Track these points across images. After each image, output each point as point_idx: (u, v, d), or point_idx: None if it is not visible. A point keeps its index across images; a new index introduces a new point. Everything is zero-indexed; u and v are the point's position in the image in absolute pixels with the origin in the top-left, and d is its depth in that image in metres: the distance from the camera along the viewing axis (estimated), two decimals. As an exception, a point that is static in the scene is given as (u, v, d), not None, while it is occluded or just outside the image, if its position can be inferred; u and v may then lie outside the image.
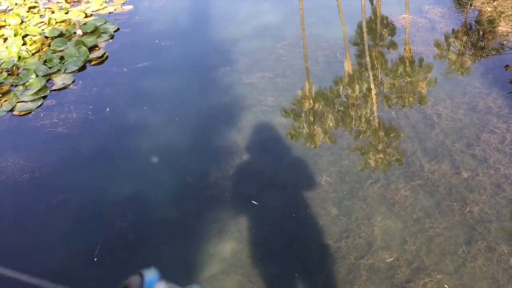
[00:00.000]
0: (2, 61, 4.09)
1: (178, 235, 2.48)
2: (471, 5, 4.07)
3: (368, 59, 3.66)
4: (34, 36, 4.43)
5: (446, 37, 3.75)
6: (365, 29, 4.02)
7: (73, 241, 2.51)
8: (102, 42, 4.31)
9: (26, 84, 3.80)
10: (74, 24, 4.52)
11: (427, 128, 2.90)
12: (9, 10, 4.98)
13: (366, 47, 3.80)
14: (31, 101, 3.62)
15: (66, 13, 4.85)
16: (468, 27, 3.87)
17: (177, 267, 2.32)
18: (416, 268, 2.17)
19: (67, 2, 5.06)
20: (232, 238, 2.40)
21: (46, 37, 4.40)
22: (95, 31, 4.44)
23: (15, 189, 2.88)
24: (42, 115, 3.46)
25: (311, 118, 3.15)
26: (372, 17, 4.22)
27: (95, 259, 2.38)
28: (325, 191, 2.59)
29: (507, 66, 3.33)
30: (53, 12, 4.88)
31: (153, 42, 4.19)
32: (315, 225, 2.41)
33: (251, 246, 2.35)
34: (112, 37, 4.38)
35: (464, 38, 3.74)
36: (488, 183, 2.51)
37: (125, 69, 3.87)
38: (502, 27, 3.73)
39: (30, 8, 5.00)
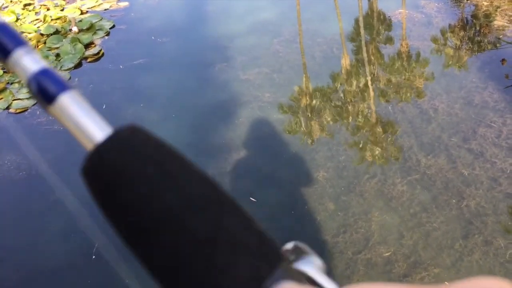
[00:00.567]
0: (-3, 59, 4.07)
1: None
2: (467, -1, 4.07)
3: (364, 54, 3.66)
4: (29, 33, 4.41)
5: (443, 32, 3.75)
6: (362, 24, 4.02)
7: (71, 238, 2.51)
8: (98, 39, 4.30)
9: (22, 81, 3.78)
10: (70, 21, 4.51)
11: (424, 123, 2.91)
12: (4, 8, 4.96)
13: (363, 42, 3.80)
14: (27, 98, 3.61)
15: (62, 10, 4.83)
16: (465, 21, 3.87)
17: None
18: (413, 262, 2.18)
19: (63, -1, 5.05)
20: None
21: (42, 35, 4.38)
22: (91, 28, 4.43)
23: (11, 187, 2.87)
24: (38, 112, 3.45)
25: (308, 114, 3.15)
26: (369, 12, 4.22)
27: (93, 257, 2.38)
28: (322, 186, 2.59)
29: (503, 60, 3.34)
30: (48, 9, 4.86)
31: (149, 39, 4.18)
32: (312, 221, 2.41)
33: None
34: (108, 34, 4.37)
35: (461, 32, 3.74)
36: (485, 177, 2.52)
37: (121, 66, 3.87)
38: (499, 21, 3.73)
39: (25, 5, 4.98)
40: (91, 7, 4.87)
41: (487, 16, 3.83)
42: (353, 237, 2.32)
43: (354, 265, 2.19)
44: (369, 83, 3.34)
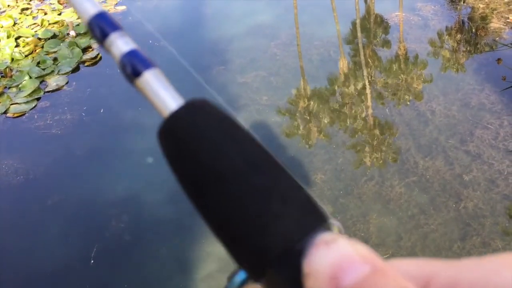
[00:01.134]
0: (-5, 63, 4.08)
1: (174, 235, 2.48)
2: (464, 1, 4.09)
3: (362, 57, 3.67)
4: (27, 38, 4.41)
5: (439, 34, 3.76)
6: (359, 27, 4.03)
7: (69, 243, 2.51)
8: (95, 43, 4.30)
9: (20, 86, 3.79)
10: (67, 25, 4.51)
11: (421, 125, 2.91)
12: (2, 12, 4.96)
13: (361, 45, 3.81)
14: (24, 103, 3.61)
15: (59, 14, 4.84)
16: (461, 24, 3.89)
17: (173, 266, 2.32)
18: (411, 265, 2.18)
19: (60, 3, 5.05)
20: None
21: (39, 39, 4.38)
22: (89, 32, 4.42)
23: (9, 191, 2.87)
24: (36, 116, 3.46)
25: (306, 117, 3.16)
26: (366, 15, 4.23)
27: (92, 261, 2.38)
28: (320, 189, 2.59)
29: (498, 59, 3.35)
30: (45, 14, 4.87)
31: (147, 43, 4.19)
32: (310, 223, 2.41)
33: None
34: (105, 38, 4.37)
35: (457, 35, 3.75)
36: (482, 178, 2.52)
37: (119, 70, 3.86)
38: (495, 24, 3.75)
39: (22, 10, 4.98)
40: (89, 11, 4.87)
41: (484, 18, 3.85)
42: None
43: (352, 267, 2.19)
44: (367, 85, 3.34)
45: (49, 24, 4.64)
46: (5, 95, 3.71)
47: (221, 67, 3.74)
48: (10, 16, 4.74)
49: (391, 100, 3.18)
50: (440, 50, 3.62)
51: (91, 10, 0.37)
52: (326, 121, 3.09)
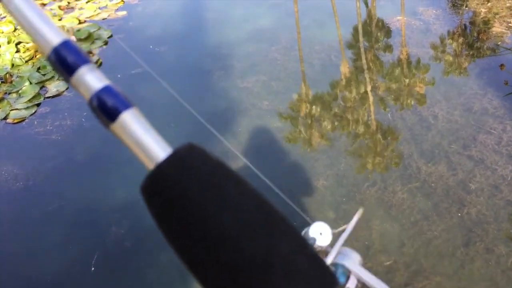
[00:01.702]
0: (-5, 69, 4.07)
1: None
2: (466, 6, 4.07)
3: (363, 61, 3.65)
4: (27, 43, 4.41)
5: (441, 39, 3.75)
6: (360, 31, 4.02)
7: (69, 249, 2.49)
8: (96, 48, 4.29)
9: (20, 91, 3.78)
10: (68, 31, 4.51)
11: (424, 130, 2.89)
12: (2, 18, 4.96)
13: (362, 50, 3.80)
14: (24, 108, 3.59)
15: (60, 20, 4.83)
16: (463, 28, 3.87)
17: (174, 273, 2.30)
18: (414, 271, 2.16)
19: (61, 9, 5.05)
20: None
21: (40, 44, 4.37)
22: (89, 38, 4.42)
23: (9, 198, 2.85)
24: (36, 122, 3.44)
25: (307, 122, 3.14)
26: (367, 20, 4.22)
27: (92, 269, 2.36)
28: (322, 195, 2.57)
29: (502, 65, 3.33)
30: (46, 19, 4.85)
31: (147, 48, 4.18)
32: (312, 230, 2.39)
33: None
34: (106, 43, 4.37)
35: (459, 39, 3.74)
36: (486, 184, 2.50)
37: (119, 75, 3.86)
38: (497, 28, 3.73)
39: (23, 15, 4.98)
40: (89, 17, 4.88)
41: (486, 22, 3.83)
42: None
43: (354, 275, 2.16)
44: (369, 90, 3.33)
45: (50, 29, 4.63)
46: (5, 100, 3.70)
47: (221, 72, 3.73)
48: (11, 22, 4.74)
49: (393, 105, 3.16)
50: (442, 54, 3.60)
51: (54, 39, 0.31)
52: (328, 126, 3.07)
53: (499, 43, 3.59)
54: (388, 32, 3.94)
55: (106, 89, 0.31)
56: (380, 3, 4.47)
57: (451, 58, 3.54)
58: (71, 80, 0.31)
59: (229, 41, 4.13)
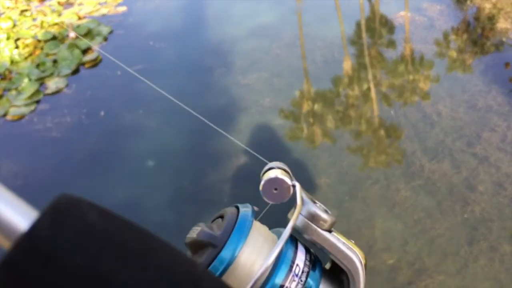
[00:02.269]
0: (-6, 65, 4.04)
1: (175, 238, 2.44)
2: (471, 1, 4.03)
3: (366, 57, 3.62)
4: (26, 39, 4.37)
5: (445, 35, 3.71)
6: (363, 27, 3.98)
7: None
8: (95, 44, 4.26)
9: (19, 88, 3.75)
10: (67, 27, 4.47)
11: (427, 127, 2.86)
12: (1, 14, 4.93)
13: (365, 46, 3.76)
14: (24, 105, 3.57)
15: (59, 16, 4.80)
16: (467, 24, 3.84)
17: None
18: (417, 270, 2.13)
19: (60, 5, 5.01)
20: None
21: (39, 41, 4.34)
22: (89, 34, 4.39)
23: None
24: (35, 119, 3.41)
25: (310, 119, 3.11)
26: (370, 16, 4.18)
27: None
28: (324, 192, 2.55)
29: (507, 63, 3.30)
30: (45, 15, 4.83)
31: (148, 44, 4.15)
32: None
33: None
34: (106, 39, 4.34)
35: (463, 35, 3.70)
36: (490, 182, 2.47)
37: (119, 72, 3.83)
38: (502, 24, 3.69)
39: (22, 11, 4.95)
40: (89, 13, 4.84)
41: (490, 18, 3.79)
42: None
43: (357, 274, 2.14)
44: (372, 87, 3.29)
45: (49, 25, 4.60)
46: (4, 97, 3.67)
47: (223, 68, 3.70)
48: (10, 18, 4.71)
49: (397, 101, 3.13)
50: (446, 51, 3.57)
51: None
52: (330, 124, 3.04)
53: (504, 39, 3.55)
54: (391, 28, 3.90)
55: None
56: (383, -1, 4.44)
57: (455, 55, 3.50)
58: None
59: (230, 38, 4.09)
